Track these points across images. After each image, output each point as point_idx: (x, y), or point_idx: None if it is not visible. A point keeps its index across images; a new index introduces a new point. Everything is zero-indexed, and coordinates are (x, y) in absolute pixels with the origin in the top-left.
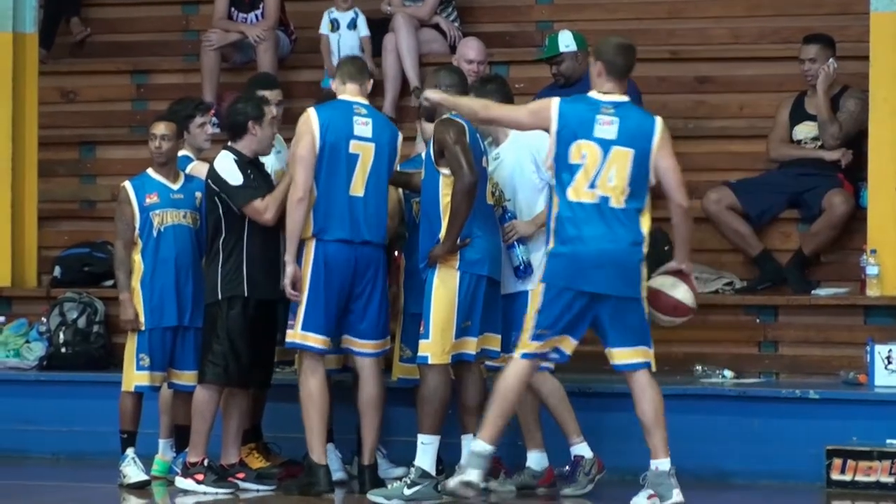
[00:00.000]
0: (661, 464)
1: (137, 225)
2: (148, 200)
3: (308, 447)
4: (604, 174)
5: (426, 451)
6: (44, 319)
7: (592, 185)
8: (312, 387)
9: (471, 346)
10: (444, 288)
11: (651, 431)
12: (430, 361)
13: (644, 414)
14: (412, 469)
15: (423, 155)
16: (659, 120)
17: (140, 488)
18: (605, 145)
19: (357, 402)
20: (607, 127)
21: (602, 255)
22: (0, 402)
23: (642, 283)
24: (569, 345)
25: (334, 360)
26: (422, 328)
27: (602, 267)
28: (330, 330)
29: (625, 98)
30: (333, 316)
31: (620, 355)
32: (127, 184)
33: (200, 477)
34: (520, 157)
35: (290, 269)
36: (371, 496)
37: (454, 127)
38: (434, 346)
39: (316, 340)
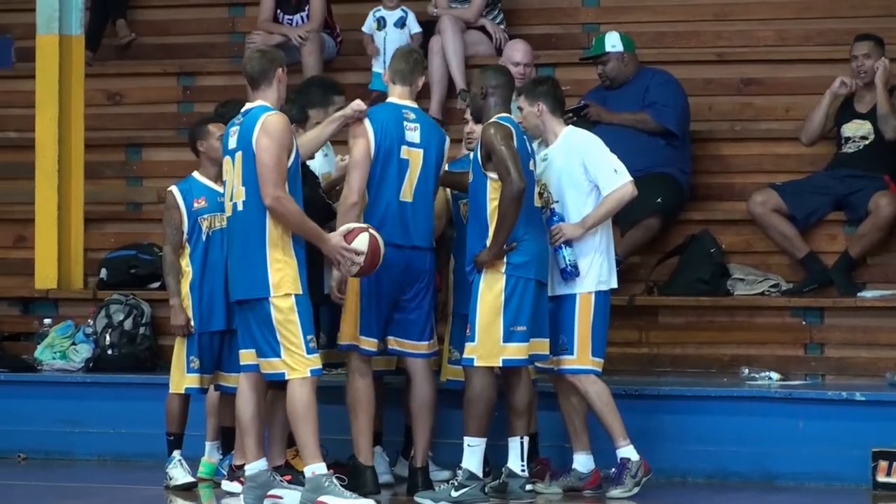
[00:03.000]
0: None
1: (186, 229)
2: (196, 205)
3: (355, 449)
4: None
5: (473, 453)
6: (90, 321)
7: None
8: (361, 389)
9: (521, 351)
10: (490, 291)
11: None
12: (475, 364)
13: None
14: (459, 471)
15: (471, 157)
16: None
17: (186, 490)
18: None
19: (409, 404)
20: None
21: None
22: (46, 403)
23: None
24: None
25: (384, 361)
26: (468, 331)
27: None
28: (379, 332)
29: None
30: (383, 319)
31: None
32: (174, 188)
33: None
34: (569, 159)
35: (338, 273)
36: (418, 498)
37: (502, 130)
38: (480, 349)
39: (367, 343)
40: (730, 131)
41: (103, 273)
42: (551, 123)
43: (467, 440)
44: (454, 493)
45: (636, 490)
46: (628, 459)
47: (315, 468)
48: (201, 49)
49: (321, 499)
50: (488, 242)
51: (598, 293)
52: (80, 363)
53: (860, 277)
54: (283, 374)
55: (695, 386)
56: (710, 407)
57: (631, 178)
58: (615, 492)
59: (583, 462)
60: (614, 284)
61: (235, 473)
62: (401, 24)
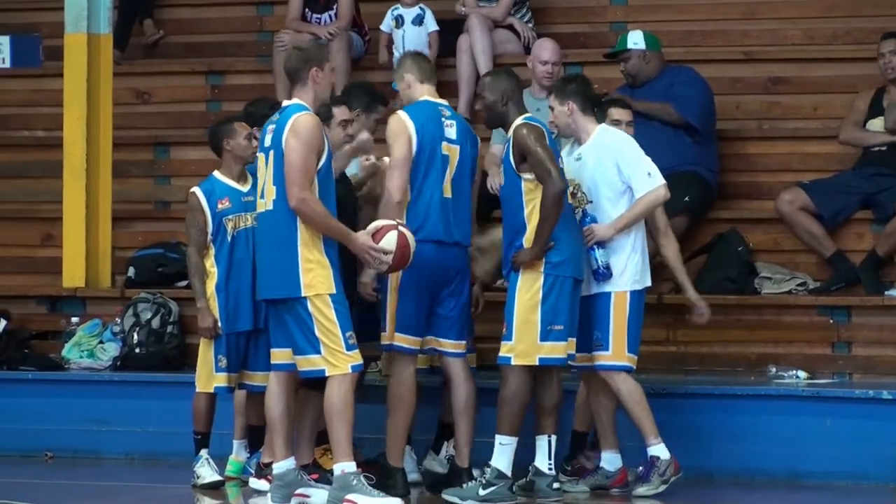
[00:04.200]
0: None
1: (210, 230)
2: (220, 206)
3: (387, 449)
4: None
5: (504, 451)
6: (118, 320)
7: None
8: (404, 390)
9: (559, 350)
10: (528, 290)
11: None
12: (512, 362)
13: None
14: (488, 469)
15: (502, 159)
16: None
17: (214, 489)
18: None
19: (449, 403)
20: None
21: None
22: (74, 402)
23: None
24: None
25: (419, 360)
26: (504, 329)
27: None
28: (420, 330)
29: None
30: (423, 317)
31: None
32: (197, 190)
33: (314, 476)
34: (602, 159)
35: (372, 272)
36: (445, 495)
37: (534, 131)
38: (517, 347)
39: (408, 341)
40: (757, 130)
41: (131, 271)
42: (583, 122)
43: (499, 438)
44: (482, 492)
45: (663, 488)
46: (657, 458)
47: (345, 466)
48: (229, 48)
49: (349, 497)
50: (525, 242)
51: (632, 292)
52: (108, 362)
53: (888, 276)
54: (322, 371)
55: (722, 385)
56: (738, 406)
57: (664, 182)
58: (641, 489)
59: (610, 460)
60: (648, 283)
61: (263, 471)
62: (419, 21)
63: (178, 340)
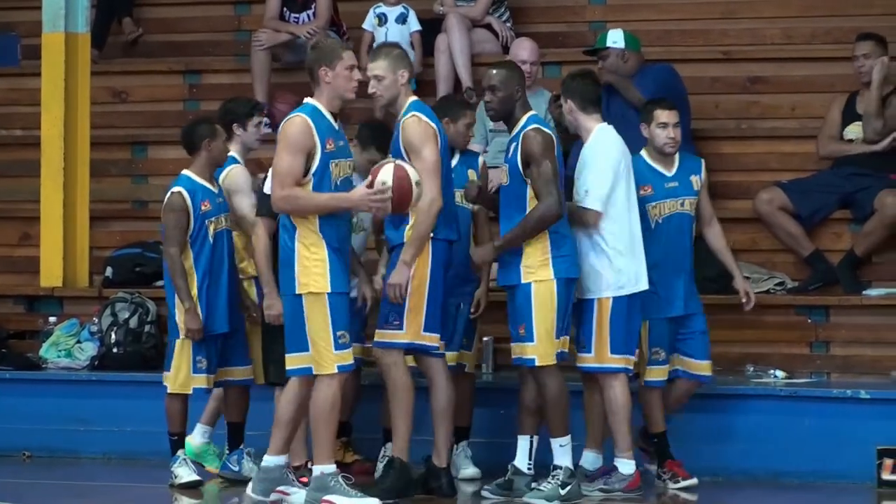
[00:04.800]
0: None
1: (191, 232)
2: (203, 207)
3: (434, 451)
4: None
5: (566, 451)
6: (95, 319)
7: None
8: (446, 392)
9: (565, 344)
10: (547, 291)
11: None
12: (537, 363)
13: None
14: (557, 470)
15: (508, 160)
16: None
17: (192, 488)
18: None
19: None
20: None
21: None
22: (52, 402)
23: None
24: None
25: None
26: (521, 331)
27: None
28: (440, 328)
29: None
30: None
31: None
32: (181, 190)
33: (304, 480)
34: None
35: (407, 272)
36: (528, 498)
37: (545, 140)
38: (541, 349)
39: (433, 340)
40: (736, 129)
41: (108, 271)
42: (582, 120)
43: (558, 441)
44: (562, 492)
45: (599, 496)
46: (615, 468)
47: (324, 468)
48: (207, 47)
49: (327, 498)
50: (500, 240)
51: (615, 298)
52: (86, 361)
53: (865, 276)
54: (310, 369)
55: (721, 384)
56: (716, 405)
57: (596, 209)
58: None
59: (591, 460)
60: (637, 287)
61: (296, 474)
62: (402, 20)
63: (155, 340)
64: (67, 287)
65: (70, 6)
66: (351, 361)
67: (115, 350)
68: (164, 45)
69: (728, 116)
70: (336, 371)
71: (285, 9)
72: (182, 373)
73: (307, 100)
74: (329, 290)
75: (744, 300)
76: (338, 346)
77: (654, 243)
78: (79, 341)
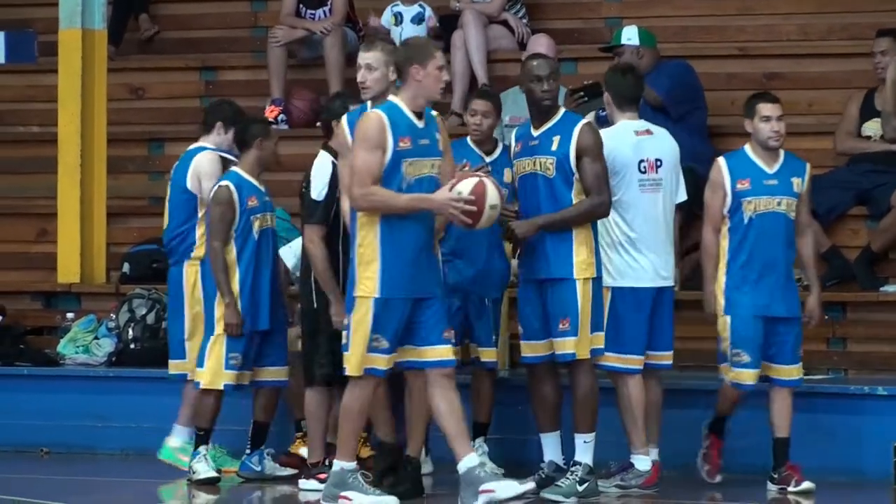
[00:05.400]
0: None
1: (235, 227)
2: (249, 203)
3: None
4: None
5: (588, 448)
6: (112, 316)
7: None
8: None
9: (601, 340)
10: (588, 288)
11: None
12: (577, 357)
13: None
14: (577, 467)
15: (556, 150)
16: None
17: (210, 484)
18: None
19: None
20: None
21: None
22: (69, 398)
23: None
24: None
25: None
26: (564, 325)
27: None
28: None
29: None
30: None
31: None
32: (229, 184)
33: (323, 477)
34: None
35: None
36: (546, 494)
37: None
38: (581, 344)
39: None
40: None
41: (126, 267)
42: (614, 115)
43: (583, 437)
44: (579, 488)
45: (616, 492)
46: (632, 465)
47: (344, 464)
48: (223, 43)
49: (344, 494)
50: (543, 219)
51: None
52: (103, 357)
53: (882, 272)
54: (374, 370)
55: (708, 380)
56: None
57: None
58: (603, 483)
59: (641, 461)
60: (635, 283)
61: (312, 471)
62: (418, 19)
63: None
64: (85, 283)
65: (87, 3)
66: (383, 367)
67: (132, 346)
68: (180, 41)
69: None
70: (362, 374)
71: (301, 5)
72: (213, 368)
73: (390, 97)
74: (377, 295)
75: (805, 319)
76: (371, 349)
77: (745, 240)
78: (96, 337)
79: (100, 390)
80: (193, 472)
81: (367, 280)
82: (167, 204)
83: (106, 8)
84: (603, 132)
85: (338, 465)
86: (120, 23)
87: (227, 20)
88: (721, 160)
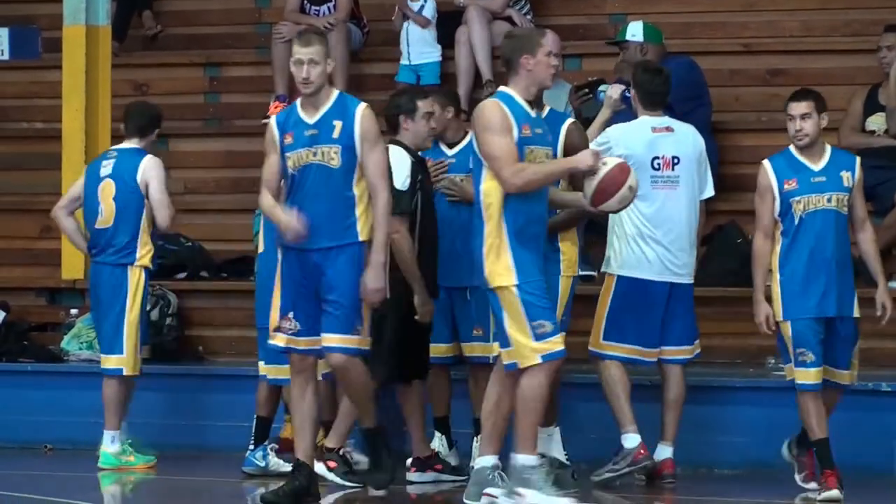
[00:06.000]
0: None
1: None
2: None
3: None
4: None
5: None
6: None
7: None
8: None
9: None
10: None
11: None
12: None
13: None
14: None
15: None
16: None
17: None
18: None
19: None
20: None
21: None
22: (73, 394)
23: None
24: None
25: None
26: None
27: None
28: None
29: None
30: None
31: None
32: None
33: (332, 464)
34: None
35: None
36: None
37: (586, 141)
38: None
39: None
40: (756, 122)
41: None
42: (638, 111)
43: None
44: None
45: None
46: (621, 447)
47: (525, 460)
48: (227, 40)
49: (520, 490)
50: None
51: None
52: None
53: (887, 268)
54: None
55: (721, 377)
56: (737, 398)
57: None
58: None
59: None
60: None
61: (326, 455)
62: (419, 12)
63: (176, 332)
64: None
65: None
66: (560, 347)
67: None
68: (184, 37)
69: (748, 109)
70: (539, 361)
71: (306, 1)
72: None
73: (501, 88)
74: (516, 283)
75: (878, 313)
76: (538, 337)
77: (795, 241)
78: None
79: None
80: (357, 463)
81: (505, 270)
82: (112, 202)
83: (110, 4)
84: (617, 127)
85: (519, 459)
86: (124, 19)
87: (232, 16)
88: (766, 163)
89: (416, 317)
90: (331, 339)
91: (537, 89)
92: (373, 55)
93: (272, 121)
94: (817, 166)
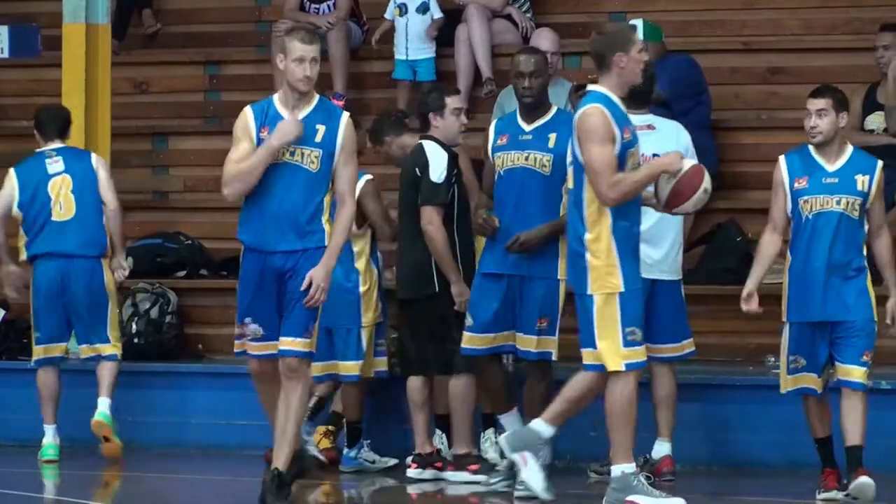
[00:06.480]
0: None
1: None
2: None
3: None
4: None
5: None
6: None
7: None
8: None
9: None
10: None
11: None
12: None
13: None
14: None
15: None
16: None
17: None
18: None
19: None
20: None
21: None
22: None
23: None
24: None
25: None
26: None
27: None
28: None
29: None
30: None
31: None
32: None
33: (440, 465)
34: None
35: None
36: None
37: None
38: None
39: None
40: (756, 120)
41: (129, 262)
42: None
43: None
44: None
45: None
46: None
47: (624, 468)
48: (227, 38)
49: (630, 498)
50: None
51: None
52: None
53: None
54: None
55: (720, 374)
56: (736, 396)
57: None
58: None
59: (656, 449)
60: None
61: (462, 461)
62: (423, 9)
63: (176, 330)
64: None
65: None
66: (643, 358)
67: (135, 340)
68: (184, 35)
69: (748, 107)
70: (623, 369)
71: (306, 0)
72: (369, 358)
73: (593, 87)
74: (622, 290)
75: (888, 321)
76: (627, 344)
77: (799, 241)
78: None
79: None
80: (373, 462)
81: (609, 276)
82: (71, 196)
83: (110, 2)
84: None
85: (618, 469)
86: (124, 17)
87: (231, 14)
88: (781, 158)
89: (455, 307)
90: (289, 343)
91: (627, 87)
92: (372, 53)
93: (247, 108)
94: (832, 167)
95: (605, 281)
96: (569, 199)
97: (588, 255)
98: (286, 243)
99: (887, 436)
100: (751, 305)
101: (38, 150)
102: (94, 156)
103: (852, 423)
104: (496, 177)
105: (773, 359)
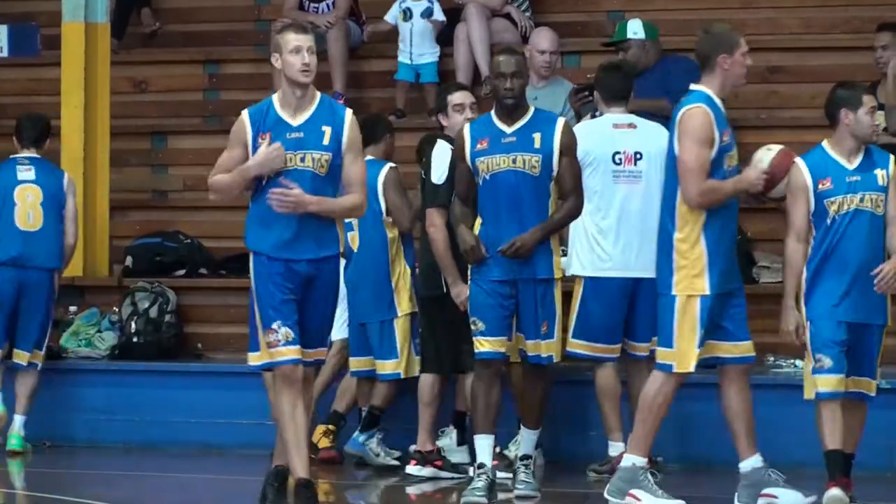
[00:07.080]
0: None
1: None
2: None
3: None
4: None
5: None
6: (115, 309)
7: None
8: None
9: None
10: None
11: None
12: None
13: None
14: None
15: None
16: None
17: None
18: None
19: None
20: None
21: None
22: (72, 391)
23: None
24: None
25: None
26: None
27: None
28: None
29: None
30: None
31: None
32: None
33: (440, 463)
34: None
35: None
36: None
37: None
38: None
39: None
40: (756, 119)
41: (129, 261)
42: (602, 110)
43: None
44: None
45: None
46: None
47: (636, 460)
48: (227, 37)
49: (633, 492)
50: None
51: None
52: (106, 351)
53: None
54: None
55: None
56: None
57: None
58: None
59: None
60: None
61: (426, 458)
62: (428, 14)
63: (175, 329)
64: (88, 277)
65: None
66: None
67: (135, 339)
68: (183, 35)
69: (748, 106)
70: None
71: None
72: (410, 356)
73: (696, 86)
74: (706, 293)
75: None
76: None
77: (824, 241)
78: (99, 331)
79: (102, 383)
80: (377, 455)
81: (696, 278)
82: (40, 208)
83: (109, 1)
84: (580, 125)
85: (629, 459)
86: (123, 16)
87: (231, 13)
88: (800, 161)
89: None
90: (315, 354)
91: (730, 88)
92: (371, 52)
93: (244, 113)
94: (852, 165)
95: (690, 282)
96: (662, 196)
97: (675, 255)
98: (309, 251)
99: (887, 436)
100: (803, 337)
101: (12, 155)
102: (66, 177)
103: (857, 432)
104: (480, 181)
105: (772, 358)
